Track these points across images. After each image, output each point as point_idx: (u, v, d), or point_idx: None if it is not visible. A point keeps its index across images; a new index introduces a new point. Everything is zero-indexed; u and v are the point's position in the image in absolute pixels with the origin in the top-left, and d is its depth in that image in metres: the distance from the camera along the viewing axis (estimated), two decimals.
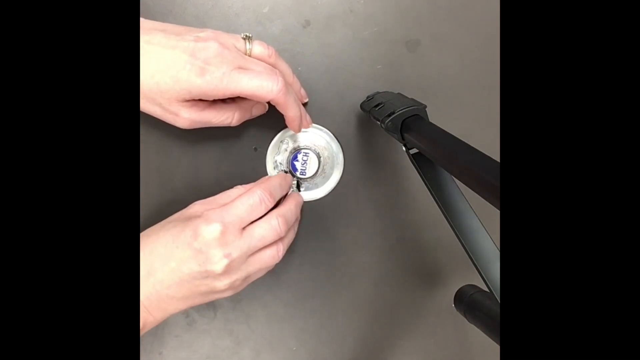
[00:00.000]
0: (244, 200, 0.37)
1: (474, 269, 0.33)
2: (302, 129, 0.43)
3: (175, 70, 0.35)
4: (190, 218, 0.37)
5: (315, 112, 0.47)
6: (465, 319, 0.38)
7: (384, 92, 0.45)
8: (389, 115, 0.38)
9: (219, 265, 0.35)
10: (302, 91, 0.45)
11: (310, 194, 0.46)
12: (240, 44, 0.39)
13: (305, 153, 0.46)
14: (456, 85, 0.48)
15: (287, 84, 0.38)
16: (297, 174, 0.46)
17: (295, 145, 0.46)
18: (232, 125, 0.41)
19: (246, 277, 0.37)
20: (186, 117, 0.38)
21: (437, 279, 0.48)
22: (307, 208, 0.47)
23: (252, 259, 0.37)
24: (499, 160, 0.27)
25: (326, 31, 0.47)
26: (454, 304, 0.39)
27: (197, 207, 0.38)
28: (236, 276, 0.36)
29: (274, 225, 0.37)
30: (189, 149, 0.45)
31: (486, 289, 0.32)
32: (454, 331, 0.48)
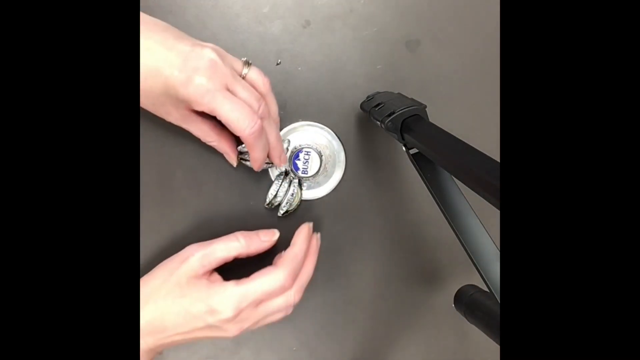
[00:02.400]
0: (265, 284, 0.36)
1: (474, 269, 0.33)
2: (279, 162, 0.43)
3: (165, 76, 0.35)
4: (196, 286, 0.36)
5: (315, 112, 0.47)
6: (465, 319, 0.38)
7: (384, 92, 0.45)
8: (389, 115, 0.38)
9: (232, 333, 0.37)
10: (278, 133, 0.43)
11: (312, 193, 0.46)
12: (238, 64, 0.39)
13: (307, 152, 0.46)
14: (456, 85, 0.48)
15: (262, 128, 0.37)
16: (299, 173, 0.46)
17: (297, 144, 0.46)
18: (211, 144, 0.42)
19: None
20: (177, 117, 0.39)
21: (437, 279, 0.48)
22: (308, 207, 0.47)
23: (262, 321, 0.38)
24: (499, 160, 0.27)
25: (326, 31, 0.47)
26: (454, 304, 0.39)
27: (195, 264, 0.37)
28: (244, 331, 0.38)
29: (290, 301, 0.38)
30: (189, 149, 0.45)
31: (486, 289, 0.32)
32: (454, 331, 0.48)
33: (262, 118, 0.38)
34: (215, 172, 0.45)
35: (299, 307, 0.41)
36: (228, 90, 0.36)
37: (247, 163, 0.44)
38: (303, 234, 0.40)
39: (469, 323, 0.38)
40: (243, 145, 0.43)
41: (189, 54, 0.35)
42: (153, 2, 0.45)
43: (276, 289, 0.37)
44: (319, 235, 0.42)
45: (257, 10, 0.46)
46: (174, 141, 0.45)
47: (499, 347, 0.25)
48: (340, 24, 0.47)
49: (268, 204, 0.45)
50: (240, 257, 0.39)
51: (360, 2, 0.47)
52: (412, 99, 0.41)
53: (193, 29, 0.45)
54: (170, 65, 0.35)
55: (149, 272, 0.39)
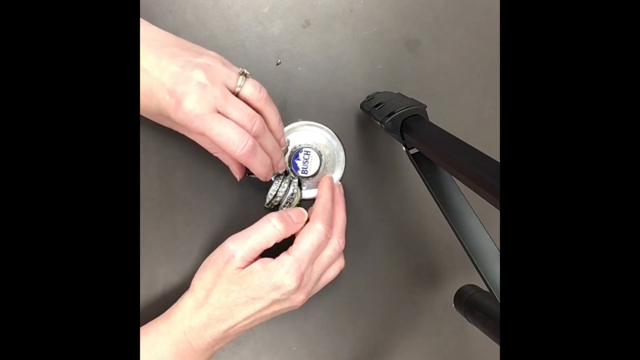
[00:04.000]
0: (311, 240, 0.38)
1: (474, 269, 0.33)
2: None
3: (158, 99, 0.36)
4: (251, 273, 0.37)
5: (316, 112, 0.47)
6: (465, 319, 0.38)
7: (384, 92, 0.45)
8: (389, 115, 0.38)
9: (299, 301, 0.39)
10: (283, 139, 0.43)
11: (311, 193, 0.46)
12: (232, 80, 0.37)
13: (307, 152, 0.46)
14: (456, 85, 0.48)
15: (254, 147, 0.37)
16: (299, 172, 0.46)
17: (297, 144, 0.46)
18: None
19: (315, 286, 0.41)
20: (180, 129, 0.40)
21: (437, 279, 0.48)
22: (308, 207, 0.47)
23: (321, 281, 0.41)
24: (499, 160, 0.27)
25: (326, 31, 0.47)
26: (454, 304, 0.39)
27: (237, 261, 0.37)
28: (308, 296, 0.40)
29: (337, 248, 0.41)
30: (189, 149, 0.45)
31: (486, 289, 0.32)
32: (454, 331, 0.48)
33: (256, 136, 0.38)
34: (215, 172, 0.45)
35: (299, 307, 0.41)
36: (219, 112, 0.36)
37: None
38: (325, 185, 0.43)
39: (469, 323, 0.38)
40: None
41: (178, 77, 0.35)
42: (153, 2, 0.45)
43: (321, 240, 0.39)
44: (339, 183, 0.46)
45: (257, 10, 0.46)
46: (174, 141, 0.45)
47: (499, 347, 0.25)
48: (340, 24, 0.47)
49: (268, 204, 0.45)
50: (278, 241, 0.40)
51: (360, 2, 0.47)
52: (412, 99, 0.41)
53: (193, 29, 0.45)
54: (162, 88, 0.35)
55: (196, 276, 0.40)
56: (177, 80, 0.35)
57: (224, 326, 0.37)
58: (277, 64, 0.46)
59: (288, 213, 0.40)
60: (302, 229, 0.39)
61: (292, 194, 0.44)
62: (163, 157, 0.45)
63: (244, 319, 0.38)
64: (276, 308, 0.39)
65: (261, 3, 0.46)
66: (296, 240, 0.39)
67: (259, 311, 0.38)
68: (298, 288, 0.38)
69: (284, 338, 0.46)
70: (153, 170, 0.45)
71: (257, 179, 0.44)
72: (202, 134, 0.36)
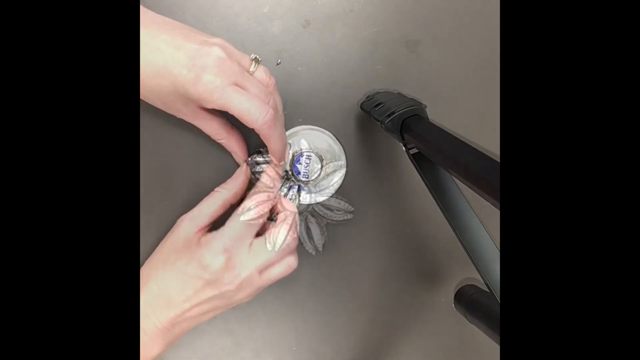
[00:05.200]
0: (231, 224, 0.38)
1: (474, 269, 0.33)
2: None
3: (174, 75, 0.35)
4: (189, 247, 0.38)
5: (315, 112, 0.47)
6: (465, 319, 0.38)
7: (384, 91, 0.45)
8: (389, 115, 0.38)
9: (232, 284, 0.37)
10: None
11: (313, 197, 0.46)
12: (246, 61, 0.39)
13: (308, 156, 0.46)
14: (456, 85, 0.48)
15: (275, 117, 0.37)
16: (300, 177, 0.46)
17: (297, 148, 0.46)
18: (222, 143, 0.43)
19: (260, 288, 0.39)
20: (187, 114, 0.39)
21: (437, 279, 0.48)
22: (305, 209, 0.47)
23: (264, 275, 0.39)
24: (499, 160, 0.27)
25: (326, 31, 0.47)
26: (454, 304, 0.39)
27: (187, 226, 0.39)
28: (250, 289, 0.38)
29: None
30: (189, 149, 0.45)
31: (486, 289, 0.32)
32: (454, 331, 0.48)
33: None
34: (215, 172, 0.45)
35: (299, 307, 0.41)
36: (237, 85, 0.37)
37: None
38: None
39: (469, 323, 0.38)
40: (253, 156, 0.43)
41: (196, 53, 0.35)
42: (153, 2, 0.45)
43: (242, 230, 0.38)
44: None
45: (257, 10, 0.46)
46: (174, 140, 0.45)
47: (499, 347, 0.25)
48: (340, 24, 0.47)
49: None
50: (229, 203, 0.41)
51: (360, 2, 0.47)
52: (411, 99, 0.41)
53: None
54: (179, 64, 0.35)
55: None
56: (196, 55, 0.35)
57: (172, 313, 0.37)
58: (277, 64, 0.46)
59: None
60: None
61: (291, 198, 0.44)
62: (163, 157, 0.45)
63: (184, 302, 0.37)
64: (212, 293, 0.37)
65: (261, 3, 0.46)
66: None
67: (196, 295, 0.37)
68: (226, 268, 0.37)
69: (284, 338, 0.46)
70: (153, 170, 0.45)
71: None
72: (223, 106, 0.36)
